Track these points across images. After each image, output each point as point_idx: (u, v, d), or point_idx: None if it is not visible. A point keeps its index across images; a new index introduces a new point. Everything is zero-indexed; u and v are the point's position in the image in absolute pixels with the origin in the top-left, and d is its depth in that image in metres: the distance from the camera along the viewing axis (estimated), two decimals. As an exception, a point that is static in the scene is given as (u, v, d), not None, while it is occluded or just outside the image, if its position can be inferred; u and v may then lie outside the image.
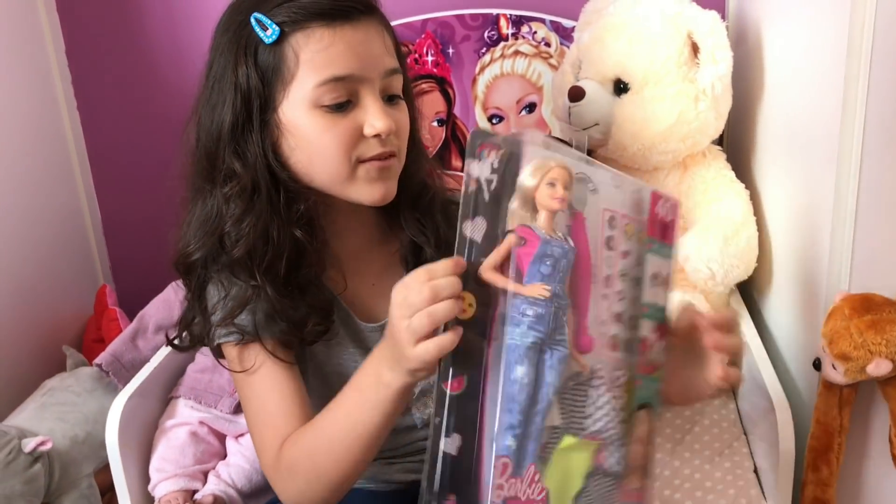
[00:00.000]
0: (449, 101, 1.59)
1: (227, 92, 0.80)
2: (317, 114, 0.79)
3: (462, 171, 0.63)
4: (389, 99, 0.83)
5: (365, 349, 0.91)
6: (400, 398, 0.70)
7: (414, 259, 0.91)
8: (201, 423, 1.20)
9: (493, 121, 1.58)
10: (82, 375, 1.34)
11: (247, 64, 0.79)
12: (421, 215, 0.90)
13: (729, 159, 1.34)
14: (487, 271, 0.61)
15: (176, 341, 0.92)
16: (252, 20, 0.78)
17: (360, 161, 0.81)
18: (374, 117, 0.80)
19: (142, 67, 1.61)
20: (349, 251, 0.90)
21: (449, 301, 0.62)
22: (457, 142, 1.60)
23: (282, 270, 0.82)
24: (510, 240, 0.61)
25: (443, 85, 1.58)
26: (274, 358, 0.83)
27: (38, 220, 1.53)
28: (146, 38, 1.60)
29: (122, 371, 1.31)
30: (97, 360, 1.31)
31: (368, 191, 0.82)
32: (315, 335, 0.85)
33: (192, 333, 0.89)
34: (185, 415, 1.21)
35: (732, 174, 1.31)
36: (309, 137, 0.80)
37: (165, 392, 1.25)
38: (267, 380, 0.84)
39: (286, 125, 0.80)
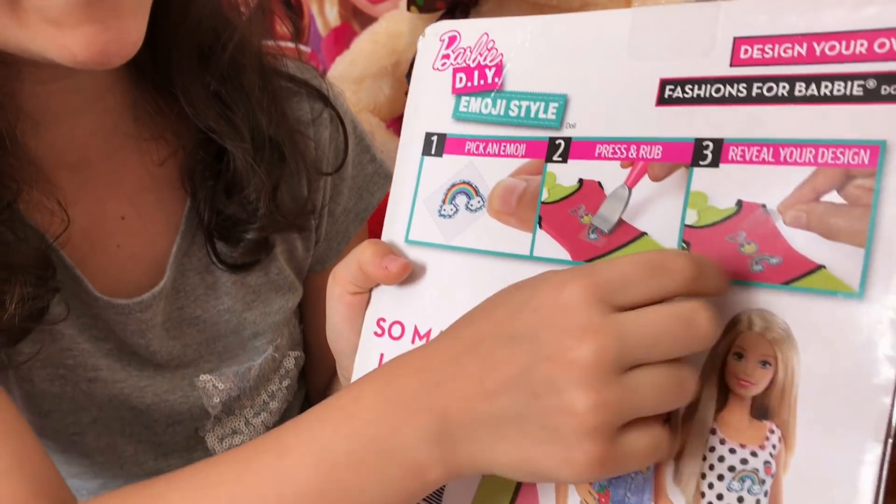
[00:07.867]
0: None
1: None
2: None
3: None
4: None
5: (106, 344, 0.54)
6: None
7: (206, 172, 0.54)
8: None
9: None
10: None
11: None
12: (221, 85, 0.52)
13: None
14: None
15: None
16: None
17: None
18: None
19: None
20: (69, 159, 0.51)
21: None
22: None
23: None
24: None
25: None
26: None
27: None
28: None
29: None
30: None
31: (60, 40, 0.40)
32: (23, 320, 0.46)
33: None
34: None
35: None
36: None
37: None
38: None
39: None
